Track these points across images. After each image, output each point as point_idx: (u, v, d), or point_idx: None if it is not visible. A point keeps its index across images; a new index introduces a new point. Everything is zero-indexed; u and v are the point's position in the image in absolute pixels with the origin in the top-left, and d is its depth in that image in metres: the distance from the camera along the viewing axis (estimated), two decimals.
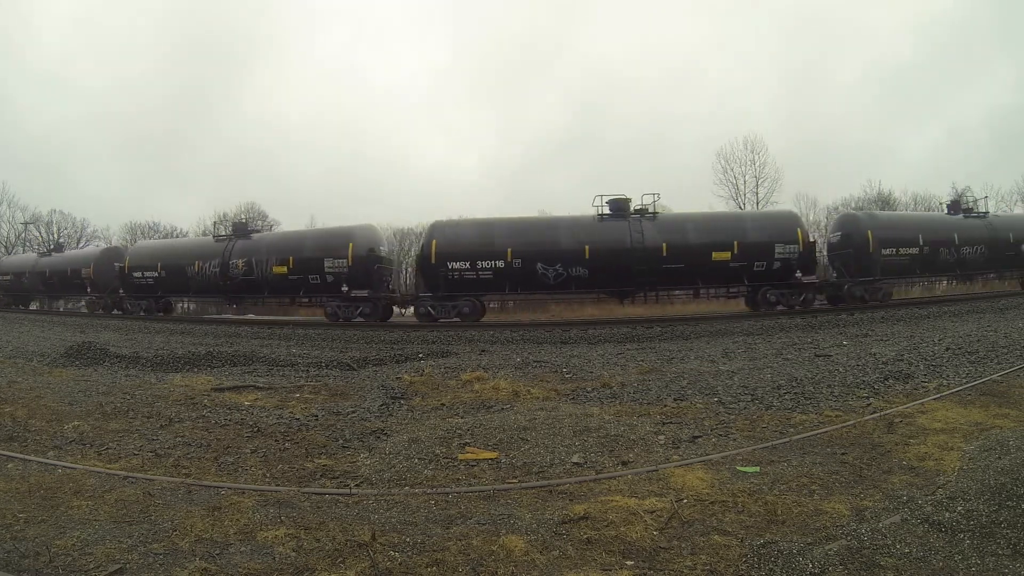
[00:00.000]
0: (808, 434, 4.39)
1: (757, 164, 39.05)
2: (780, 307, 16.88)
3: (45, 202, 61.90)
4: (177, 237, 41.04)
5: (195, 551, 2.64)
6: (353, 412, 5.85)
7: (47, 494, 3.40)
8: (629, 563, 2.50)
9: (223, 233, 21.64)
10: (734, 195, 39.41)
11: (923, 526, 2.61)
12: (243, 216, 44.75)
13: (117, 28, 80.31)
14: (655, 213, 17.42)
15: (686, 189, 55.30)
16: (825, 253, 19.80)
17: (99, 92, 72.27)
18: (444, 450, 4.38)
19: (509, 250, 16.41)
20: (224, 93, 79.80)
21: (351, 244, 17.83)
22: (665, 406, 5.61)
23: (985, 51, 65.47)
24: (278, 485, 3.69)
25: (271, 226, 43.74)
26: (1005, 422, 4.30)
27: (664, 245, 16.50)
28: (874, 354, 7.86)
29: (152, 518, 3.05)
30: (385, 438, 4.85)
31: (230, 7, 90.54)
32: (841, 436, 4.28)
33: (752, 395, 5.88)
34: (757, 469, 3.65)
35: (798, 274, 16.80)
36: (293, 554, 2.60)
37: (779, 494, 3.18)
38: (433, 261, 16.63)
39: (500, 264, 16.43)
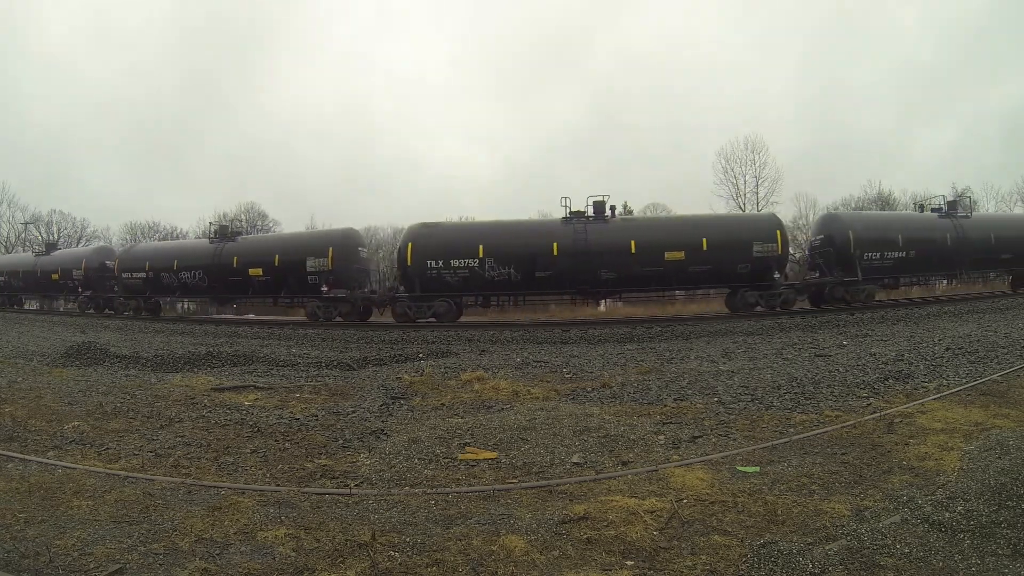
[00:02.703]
0: (808, 434, 4.39)
1: (757, 164, 39.12)
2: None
3: (45, 201, 61.91)
4: (177, 238, 41.12)
5: (195, 551, 2.64)
6: (353, 412, 5.84)
7: (47, 494, 3.40)
8: (629, 563, 2.50)
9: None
10: (734, 195, 39.49)
11: (923, 526, 2.61)
12: (242, 217, 44.92)
13: (124, 12, 80.00)
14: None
15: (705, 184, 55.08)
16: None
17: (104, 81, 71.95)
18: (444, 450, 4.38)
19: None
20: (234, 83, 79.41)
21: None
22: (665, 406, 5.61)
23: (1005, 52, 65.23)
24: (278, 485, 3.69)
25: (270, 227, 43.87)
26: (1005, 422, 4.30)
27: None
28: (874, 354, 7.86)
29: (152, 518, 3.05)
30: (385, 438, 4.85)
31: None
32: (841, 436, 4.28)
33: (752, 395, 5.88)
34: (757, 469, 3.65)
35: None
36: (293, 554, 2.60)
37: (779, 494, 3.18)
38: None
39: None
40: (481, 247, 16.75)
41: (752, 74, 69.69)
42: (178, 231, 45.17)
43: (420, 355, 10.30)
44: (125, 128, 69.55)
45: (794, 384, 6.24)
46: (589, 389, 6.67)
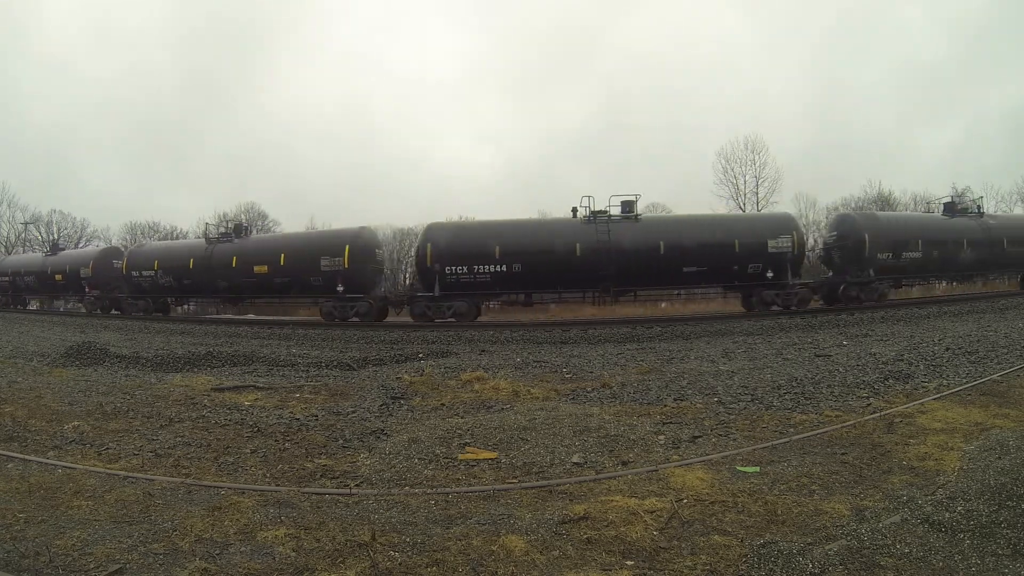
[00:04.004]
0: (808, 434, 4.39)
1: (757, 164, 39.12)
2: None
3: (45, 201, 61.82)
4: (177, 238, 41.06)
5: (195, 551, 2.64)
6: (353, 412, 5.84)
7: (47, 494, 3.40)
8: (629, 563, 2.50)
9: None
10: (734, 195, 39.49)
11: (923, 526, 2.61)
12: (243, 216, 44.91)
13: (125, 12, 79.85)
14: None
15: (706, 184, 54.93)
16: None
17: (105, 80, 71.79)
18: (444, 450, 4.38)
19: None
20: (237, 82, 79.07)
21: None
22: (665, 406, 5.61)
23: (1005, 51, 65.14)
24: (278, 485, 3.69)
25: (271, 227, 43.88)
26: (1005, 422, 4.30)
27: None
28: (874, 354, 7.86)
29: (152, 518, 3.05)
30: (385, 438, 4.85)
31: None
32: (841, 436, 4.28)
33: (752, 395, 5.88)
34: (757, 469, 3.65)
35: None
36: (293, 554, 2.60)
37: (779, 494, 3.18)
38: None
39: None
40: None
41: (753, 74, 69.70)
42: (178, 231, 45.19)
43: (420, 355, 10.30)
44: (125, 128, 69.63)
45: (794, 384, 6.24)
46: (589, 389, 6.67)
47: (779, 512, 2.94)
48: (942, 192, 39.06)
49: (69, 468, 3.89)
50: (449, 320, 16.89)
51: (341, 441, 4.80)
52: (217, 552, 2.64)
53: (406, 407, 6.12)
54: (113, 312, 23.69)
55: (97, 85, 70.30)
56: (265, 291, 19.92)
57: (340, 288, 17.97)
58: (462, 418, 5.41)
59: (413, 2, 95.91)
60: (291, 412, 5.77)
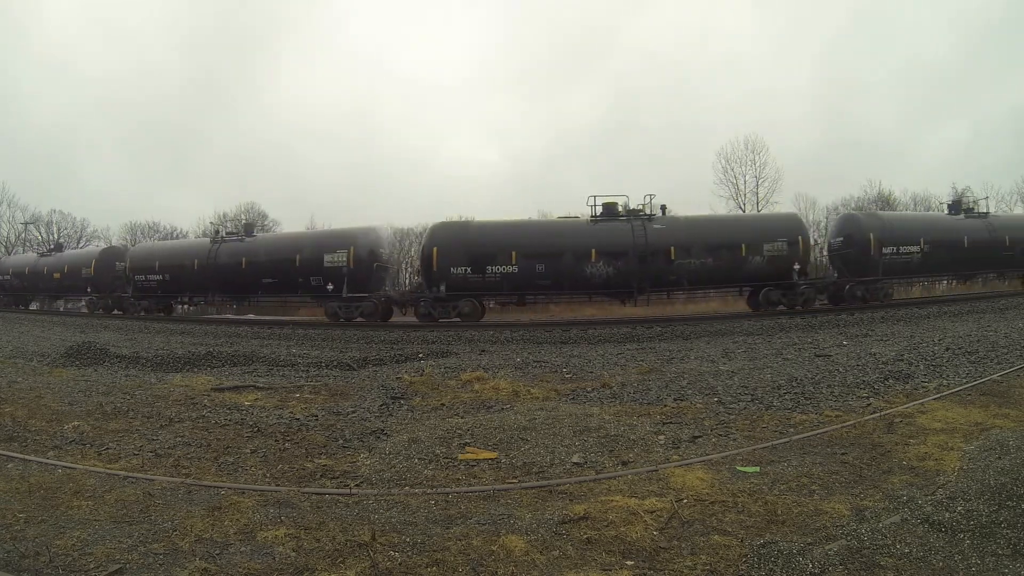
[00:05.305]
0: (808, 434, 4.39)
1: (757, 164, 39.08)
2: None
3: (45, 200, 61.85)
4: (177, 238, 41.08)
5: (195, 551, 2.64)
6: (353, 412, 5.84)
7: (47, 494, 3.40)
8: (629, 563, 2.50)
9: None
10: (734, 195, 39.47)
11: (923, 526, 2.61)
12: (243, 216, 44.89)
13: (125, 12, 79.75)
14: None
15: (706, 183, 54.86)
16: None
17: (104, 80, 71.66)
18: (444, 450, 4.38)
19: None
20: (240, 80, 78.80)
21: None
22: (665, 406, 5.61)
23: (1009, 51, 65.06)
24: (278, 485, 3.69)
25: (271, 227, 43.86)
26: (1005, 422, 4.30)
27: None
28: (874, 354, 7.86)
29: (152, 518, 3.05)
30: (385, 438, 4.85)
31: None
32: (841, 436, 4.28)
33: (752, 395, 5.88)
34: (757, 469, 3.65)
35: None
36: (293, 554, 2.60)
37: (779, 494, 3.18)
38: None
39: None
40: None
41: (752, 74, 69.63)
42: (178, 231, 45.22)
43: (420, 355, 10.30)
44: (126, 128, 69.63)
45: (794, 384, 6.24)
46: (589, 389, 6.67)
47: (779, 512, 2.94)
48: (942, 192, 39.16)
49: (69, 468, 3.89)
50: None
51: (341, 441, 4.80)
52: (217, 552, 2.64)
53: (406, 407, 6.12)
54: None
55: (97, 85, 70.39)
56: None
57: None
58: (462, 418, 5.41)
59: (421, 2, 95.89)
60: (291, 412, 5.77)
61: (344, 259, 17.94)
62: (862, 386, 5.96)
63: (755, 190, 38.99)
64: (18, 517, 3.04)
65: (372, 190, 62.62)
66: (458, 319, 16.83)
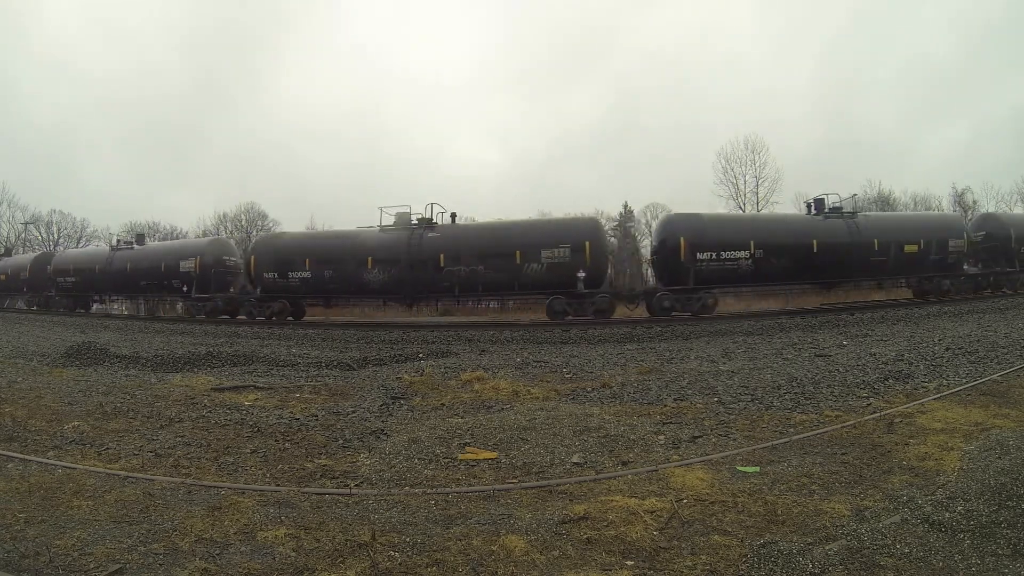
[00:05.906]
0: (808, 434, 4.39)
1: (757, 164, 39.21)
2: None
3: (45, 200, 62.12)
4: (176, 237, 41.21)
5: (195, 551, 2.64)
6: (353, 412, 5.84)
7: (47, 494, 3.40)
8: (629, 563, 2.50)
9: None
10: (734, 195, 39.56)
11: (923, 526, 2.61)
12: (242, 217, 44.84)
13: (126, 12, 79.77)
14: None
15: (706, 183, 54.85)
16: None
17: (104, 80, 71.96)
18: (444, 450, 4.38)
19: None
20: (240, 80, 79.32)
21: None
22: (665, 406, 5.61)
23: (1010, 51, 64.94)
24: (278, 485, 3.69)
25: (270, 227, 43.84)
26: (1005, 422, 4.30)
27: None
28: (874, 354, 7.86)
29: (152, 518, 3.05)
30: (385, 438, 4.85)
31: None
32: (841, 436, 4.28)
33: (752, 395, 5.88)
34: (757, 469, 3.65)
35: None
36: (293, 554, 2.60)
37: (779, 494, 3.18)
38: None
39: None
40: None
41: (752, 74, 69.71)
42: (178, 231, 45.27)
43: (420, 355, 10.31)
44: (126, 128, 69.78)
45: (794, 384, 6.24)
46: (589, 389, 6.67)
47: (779, 512, 2.94)
48: (942, 192, 39.09)
49: (69, 468, 3.89)
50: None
51: (341, 441, 4.80)
52: (217, 552, 2.63)
53: (406, 407, 6.12)
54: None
55: (97, 85, 70.51)
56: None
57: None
58: (462, 418, 5.41)
59: (424, 2, 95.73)
60: (291, 412, 5.77)
61: (193, 266, 21.84)
62: (862, 386, 5.96)
63: (755, 190, 39.16)
64: (18, 517, 3.04)
65: (372, 190, 62.70)
66: (274, 318, 18.93)
